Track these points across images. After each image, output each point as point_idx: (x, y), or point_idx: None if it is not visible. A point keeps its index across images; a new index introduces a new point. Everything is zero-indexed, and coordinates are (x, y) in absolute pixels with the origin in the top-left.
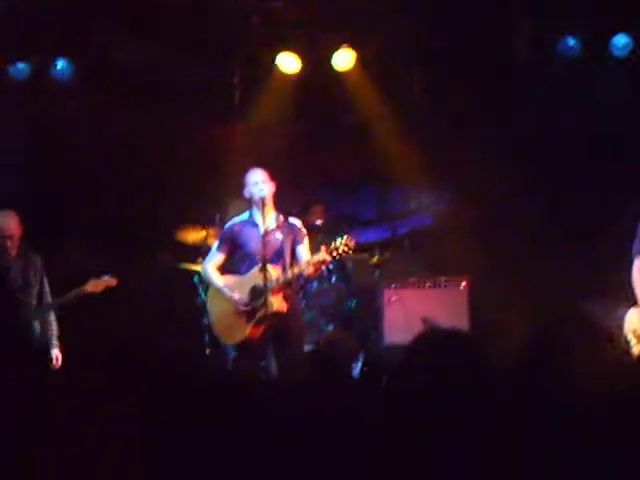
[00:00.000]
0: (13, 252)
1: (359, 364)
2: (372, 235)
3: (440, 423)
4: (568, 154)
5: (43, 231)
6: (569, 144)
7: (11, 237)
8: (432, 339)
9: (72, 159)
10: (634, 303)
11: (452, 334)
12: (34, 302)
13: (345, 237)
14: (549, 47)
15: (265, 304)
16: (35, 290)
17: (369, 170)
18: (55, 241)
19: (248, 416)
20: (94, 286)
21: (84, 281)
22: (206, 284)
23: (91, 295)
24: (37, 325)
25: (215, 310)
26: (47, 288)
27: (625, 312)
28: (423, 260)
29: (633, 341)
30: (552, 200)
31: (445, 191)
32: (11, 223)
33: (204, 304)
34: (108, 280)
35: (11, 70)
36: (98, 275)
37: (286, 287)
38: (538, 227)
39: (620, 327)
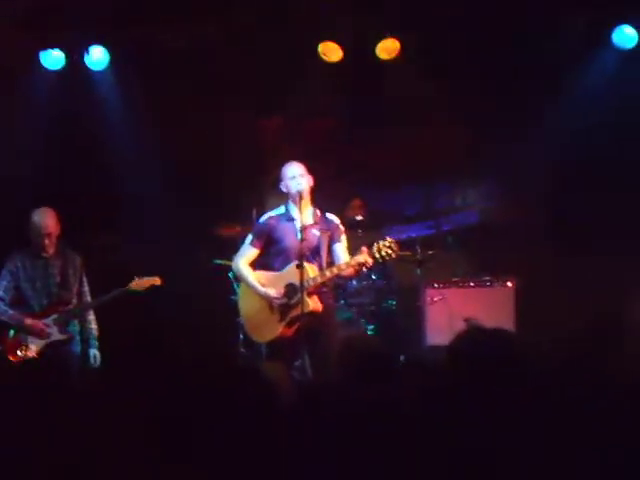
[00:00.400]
0: (51, 250)
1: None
2: (414, 231)
3: (481, 424)
4: (620, 149)
5: (82, 229)
6: (622, 138)
7: (49, 235)
8: (475, 339)
9: (110, 154)
10: None
11: (495, 334)
12: (74, 300)
13: (388, 240)
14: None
15: (300, 303)
16: (74, 288)
17: (413, 164)
18: (94, 239)
19: (278, 417)
20: (137, 285)
21: (127, 280)
22: (239, 280)
23: (132, 294)
24: (76, 324)
25: (246, 307)
26: (86, 287)
27: None
28: (467, 258)
29: None
30: (604, 198)
31: (492, 188)
32: (49, 221)
33: (236, 302)
34: (152, 279)
35: (45, 57)
36: (142, 274)
37: (322, 286)
38: (590, 226)
39: None
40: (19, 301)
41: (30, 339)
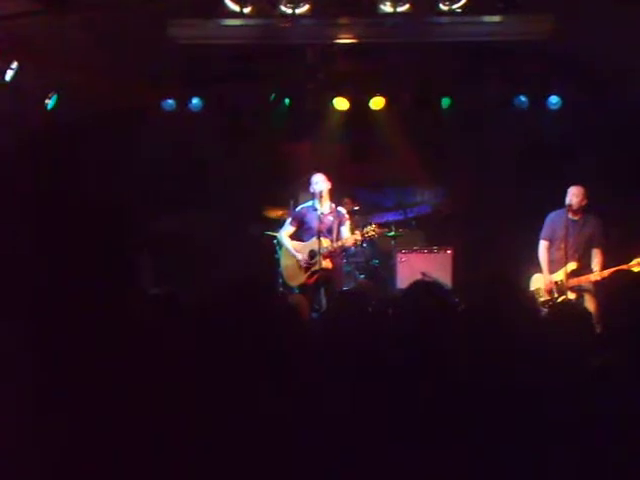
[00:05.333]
0: None
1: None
2: (391, 217)
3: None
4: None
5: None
6: (519, 169)
7: None
8: (419, 286)
9: (201, 164)
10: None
11: (433, 284)
12: None
13: (373, 225)
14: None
15: (318, 262)
16: None
17: (391, 175)
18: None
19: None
20: None
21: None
22: (280, 245)
23: None
24: None
25: (285, 263)
26: None
27: (531, 276)
28: (423, 234)
29: (537, 296)
30: (509, 198)
31: (440, 190)
32: None
33: (279, 259)
34: None
35: (164, 104)
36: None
37: (333, 252)
38: (500, 217)
39: (527, 286)
40: None
41: None
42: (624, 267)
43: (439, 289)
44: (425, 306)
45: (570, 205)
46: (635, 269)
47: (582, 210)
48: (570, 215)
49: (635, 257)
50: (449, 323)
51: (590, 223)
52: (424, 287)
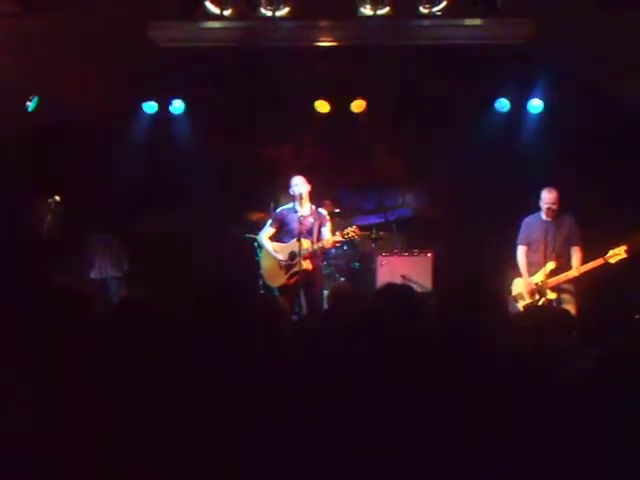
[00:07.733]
0: None
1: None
2: (372, 220)
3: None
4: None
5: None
6: (499, 172)
7: None
8: (388, 290)
9: (182, 166)
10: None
11: (402, 288)
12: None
13: (354, 226)
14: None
15: (298, 263)
16: None
17: (372, 178)
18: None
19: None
20: None
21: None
22: (261, 247)
23: None
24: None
25: (265, 264)
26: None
27: (512, 281)
28: (404, 238)
29: (519, 300)
30: (490, 201)
31: (421, 194)
32: None
33: (259, 261)
34: None
35: (145, 106)
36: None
37: (313, 253)
38: (481, 220)
39: (509, 291)
40: None
41: None
42: (601, 260)
43: (408, 293)
44: (390, 309)
45: (547, 208)
46: (611, 260)
47: (557, 211)
48: (546, 217)
49: (611, 249)
50: (412, 326)
51: (566, 223)
52: (393, 291)
